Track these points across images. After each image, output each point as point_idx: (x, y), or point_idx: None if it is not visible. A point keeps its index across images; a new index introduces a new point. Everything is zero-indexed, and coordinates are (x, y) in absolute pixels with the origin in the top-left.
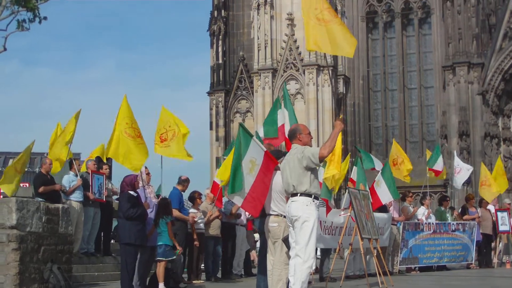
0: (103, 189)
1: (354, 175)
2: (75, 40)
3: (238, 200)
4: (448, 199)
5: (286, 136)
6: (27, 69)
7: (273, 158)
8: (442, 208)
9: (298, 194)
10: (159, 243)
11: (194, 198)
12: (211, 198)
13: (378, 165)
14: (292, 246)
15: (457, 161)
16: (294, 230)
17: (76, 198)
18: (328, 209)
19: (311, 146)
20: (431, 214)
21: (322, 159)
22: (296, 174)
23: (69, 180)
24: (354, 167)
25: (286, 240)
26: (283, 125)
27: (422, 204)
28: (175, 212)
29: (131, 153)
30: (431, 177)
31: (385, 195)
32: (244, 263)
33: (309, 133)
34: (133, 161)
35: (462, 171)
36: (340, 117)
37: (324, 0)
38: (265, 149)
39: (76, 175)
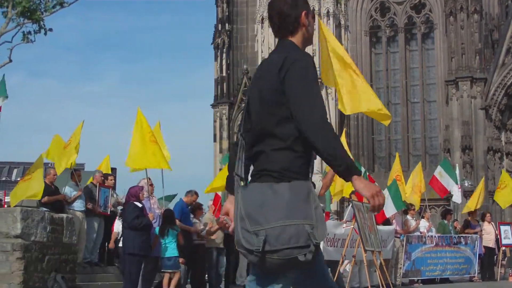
0: (108, 202)
1: None
2: (81, 53)
3: None
4: (451, 212)
5: None
6: (32, 80)
7: None
8: (445, 222)
9: None
10: (167, 255)
11: (195, 209)
12: (214, 209)
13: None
14: None
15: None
16: None
17: (78, 207)
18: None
19: None
20: (431, 227)
21: None
22: None
23: (70, 190)
24: None
25: None
26: None
27: (423, 217)
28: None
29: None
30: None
31: (389, 208)
32: (247, 273)
33: None
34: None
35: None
36: None
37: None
38: None
39: (77, 185)
